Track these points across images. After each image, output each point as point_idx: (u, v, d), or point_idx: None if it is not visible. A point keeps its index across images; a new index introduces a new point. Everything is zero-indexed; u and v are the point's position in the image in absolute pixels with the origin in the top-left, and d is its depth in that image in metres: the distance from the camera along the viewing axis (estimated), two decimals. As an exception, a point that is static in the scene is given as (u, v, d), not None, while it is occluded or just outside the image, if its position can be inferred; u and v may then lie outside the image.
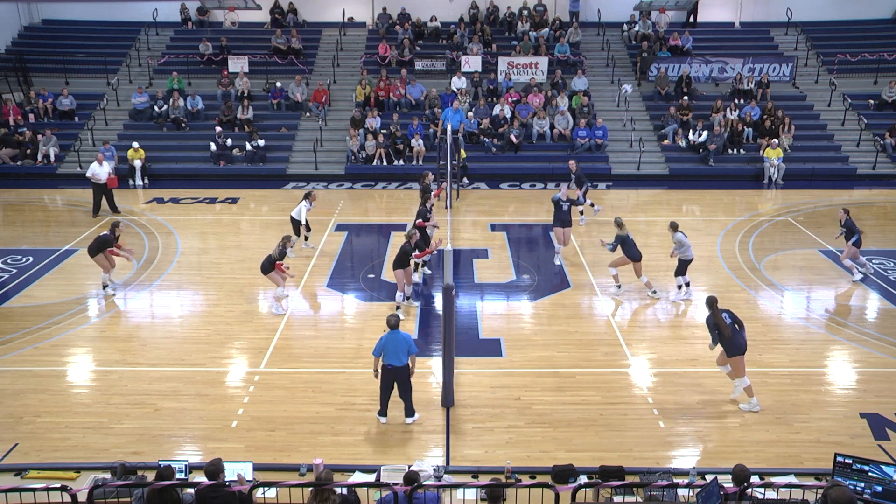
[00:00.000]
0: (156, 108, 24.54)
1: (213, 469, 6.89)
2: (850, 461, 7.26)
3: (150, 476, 7.32)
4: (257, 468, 7.82)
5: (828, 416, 9.88)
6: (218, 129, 23.35)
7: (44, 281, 14.65)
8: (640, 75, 26.36)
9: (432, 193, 16.29)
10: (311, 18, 29.06)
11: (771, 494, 7.25)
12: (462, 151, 21.56)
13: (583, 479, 7.79)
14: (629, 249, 13.47)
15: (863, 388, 10.62)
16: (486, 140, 23.49)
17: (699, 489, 6.67)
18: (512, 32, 28.05)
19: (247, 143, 23.03)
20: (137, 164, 21.91)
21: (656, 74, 25.75)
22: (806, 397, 10.34)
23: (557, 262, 15.54)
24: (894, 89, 24.94)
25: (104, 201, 18.95)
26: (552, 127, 23.81)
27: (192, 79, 26.07)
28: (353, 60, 27.09)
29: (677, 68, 25.72)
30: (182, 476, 7.50)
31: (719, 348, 10.00)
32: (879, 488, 7.09)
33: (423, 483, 6.97)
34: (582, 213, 18.29)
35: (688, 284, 13.63)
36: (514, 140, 23.25)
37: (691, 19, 28.59)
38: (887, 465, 7.17)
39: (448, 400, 10.01)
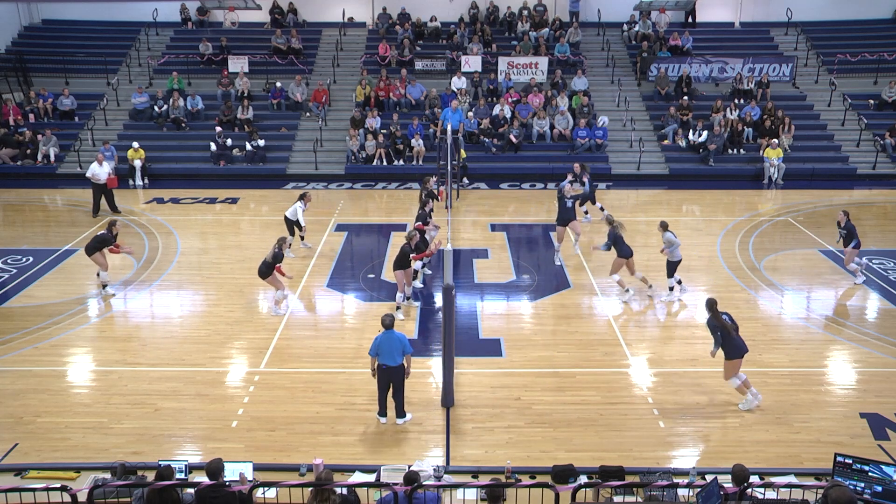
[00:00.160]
0: (156, 108, 24.54)
1: (214, 469, 6.89)
2: (850, 461, 7.26)
3: (150, 476, 7.32)
4: (257, 468, 7.82)
5: (828, 416, 9.87)
6: (218, 129, 23.35)
7: (44, 281, 14.66)
8: (640, 75, 26.36)
9: (434, 199, 16.21)
10: (311, 18, 29.06)
11: (771, 494, 7.25)
12: (462, 151, 21.57)
13: (583, 479, 7.79)
14: (620, 247, 13.44)
15: (863, 388, 10.62)
16: (486, 140, 23.49)
17: (699, 489, 6.67)
18: (512, 32, 28.05)
19: (247, 143, 23.03)
20: (137, 164, 21.92)
21: (656, 74, 25.75)
22: (806, 397, 10.34)
23: (557, 262, 15.53)
24: (894, 89, 24.93)
25: (104, 201, 18.95)
26: (552, 127, 23.80)
27: (192, 79, 26.07)
28: (353, 60, 27.10)
29: (677, 68, 25.71)
30: (182, 476, 7.51)
31: (721, 356, 9.93)
32: (879, 488, 7.09)
33: (423, 483, 6.97)
34: (587, 212, 18.29)
35: (679, 283, 13.60)
36: (514, 140, 23.25)
37: (690, 19, 28.59)
38: (887, 465, 7.17)
39: (448, 400, 10.01)
